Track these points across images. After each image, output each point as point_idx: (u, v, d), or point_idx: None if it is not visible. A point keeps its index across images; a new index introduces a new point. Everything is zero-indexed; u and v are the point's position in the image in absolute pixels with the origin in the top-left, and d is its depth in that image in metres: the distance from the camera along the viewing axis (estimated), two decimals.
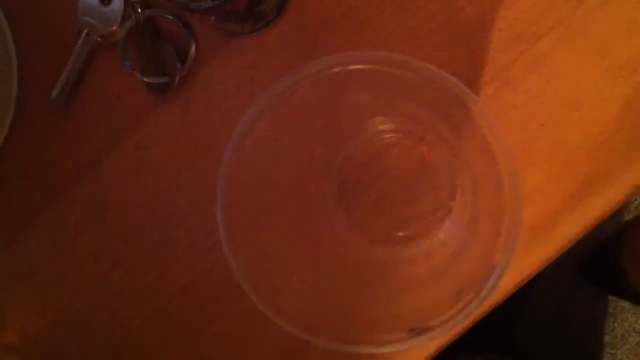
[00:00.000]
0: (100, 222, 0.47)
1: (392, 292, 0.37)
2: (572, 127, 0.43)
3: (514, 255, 0.31)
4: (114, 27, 0.47)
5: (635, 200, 1.10)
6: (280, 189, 0.37)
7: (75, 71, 0.47)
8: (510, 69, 0.43)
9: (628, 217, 1.08)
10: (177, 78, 0.46)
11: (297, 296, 0.34)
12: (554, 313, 1.13)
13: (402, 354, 0.30)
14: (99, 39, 0.47)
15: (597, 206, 0.42)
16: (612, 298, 1.12)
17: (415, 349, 0.41)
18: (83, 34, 0.47)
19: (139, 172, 0.47)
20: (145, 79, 0.46)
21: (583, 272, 1.10)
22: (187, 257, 0.46)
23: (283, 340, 0.45)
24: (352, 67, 0.30)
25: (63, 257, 0.48)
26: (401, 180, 0.44)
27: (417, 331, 0.31)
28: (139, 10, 0.46)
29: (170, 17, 0.46)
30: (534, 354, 1.10)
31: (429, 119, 0.39)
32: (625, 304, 1.12)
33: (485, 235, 0.33)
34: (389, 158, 0.44)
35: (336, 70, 0.30)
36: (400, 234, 0.43)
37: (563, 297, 1.14)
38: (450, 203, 0.43)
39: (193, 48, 0.46)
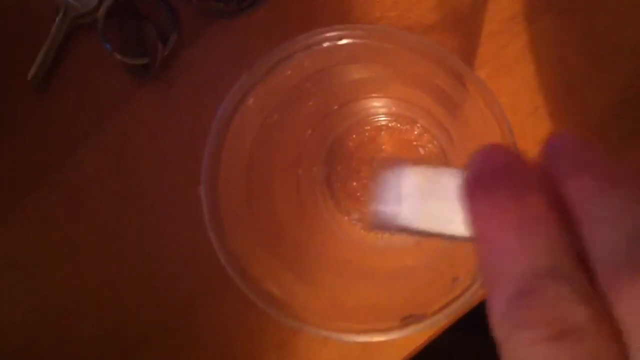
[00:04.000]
0: (81, 210, 0.45)
1: (384, 280, 0.35)
2: (567, 112, 0.42)
3: None
4: (92, 6, 0.45)
5: None
6: (268, 171, 0.36)
7: (52, 51, 0.45)
8: (505, 52, 0.42)
9: None
10: (159, 59, 0.44)
11: (285, 283, 0.32)
12: None
13: (398, 339, 0.29)
14: (77, 18, 0.45)
15: None
16: None
17: (410, 336, 0.40)
18: (60, 13, 0.45)
19: (120, 157, 0.45)
20: (125, 60, 0.44)
21: None
22: (173, 246, 0.45)
23: (273, 329, 0.43)
24: (345, 41, 0.29)
25: (42, 246, 0.46)
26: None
27: (411, 319, 0.30)
28: None
29: None
30: None
31: (424, 101, 0.38)
32: None
33: None
34: (380, 142, 0.43)
35: (328, 44, 0.29)
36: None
37: None
38: None
39: (175, 29, 0.44)
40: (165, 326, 0.45)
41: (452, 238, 0.21)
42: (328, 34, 0.29)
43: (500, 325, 0.17)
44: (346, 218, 0.42)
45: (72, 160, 0.45)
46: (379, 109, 0.42)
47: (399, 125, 0.42)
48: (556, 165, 0.18)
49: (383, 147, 0.43)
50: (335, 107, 0.39)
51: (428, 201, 0.21)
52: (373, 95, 0.40)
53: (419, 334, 0.40)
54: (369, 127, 0.42)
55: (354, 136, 0.42)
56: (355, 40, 0.29)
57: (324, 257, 0.37)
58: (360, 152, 0.43)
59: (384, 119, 0.42)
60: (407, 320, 0.29)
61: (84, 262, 0.45)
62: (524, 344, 0.16)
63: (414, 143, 0.43)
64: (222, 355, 0.44)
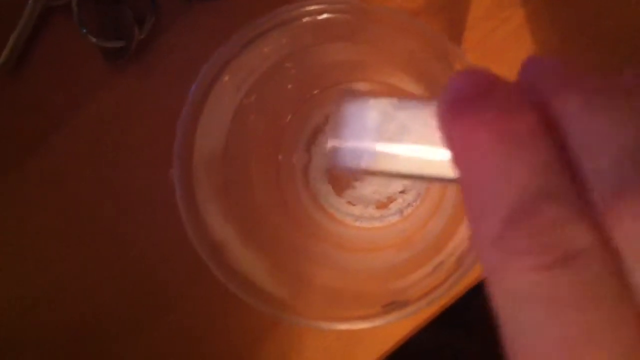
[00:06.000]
0: (54, 198, 0.44)
1: (365, 267, 0.34)
2: None
3: None
4: None
5: None
6: (246, 156, 0.34)
7: (24, 35, 0.44)
8: (492, 37, 0.41)
9: None
10: (135, 43, 0.43)
11: (264, 271, 0.31)
12: None
13: (380, 330, 0.28)
14: (51, 0, 0.44)
15: None
16: None
17: (394, 325, 0.38)
18: None
19: (95, 144, 0.44)
20: (100, 44, 0.43)
21: None
22: (148, 236, 0.43)
23: (252, 319, 0.42)
24: (326, 15, 0.27)
25: (13, 235, 0.44)
26: None
27: (393, 306, 0.28)
28: None
29: None
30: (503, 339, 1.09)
31: (409, 85, 0.36)
32: None
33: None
34: None
35: (308, 19, 0.28)
36: (373, 209, 0.40)
37: None
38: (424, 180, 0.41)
39: (153, 11, 0.43)
40: (141, 316, 0.43)
41: (426, 179, 0.18)
42: (308, 8, 0.27)
43: (489, 254, 0.15)
44: (327, 207, 0.41)
45: (46, 146, 0.44)
46: (361, 95, 0.41)
47: None
48: (539, 85, 0.17)
49: None
50: (316, 91, 0.38)
51: (398, 136, 0.17)
52: (355, 79, 0.39)
53: (402, 326, 0.38)
54: None
55: None
56: (336, 15, 0.28)
57: (304, 245, 0.36)
58: None
59: None
60: (389, 307, 0.28)
61: (57, 251, 0.44)
62: (519, 273, 0.14)
63: None
64: (199, 346, 0.43)
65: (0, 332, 0.44)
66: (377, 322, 0.28)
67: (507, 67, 0.41)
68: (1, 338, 0.44)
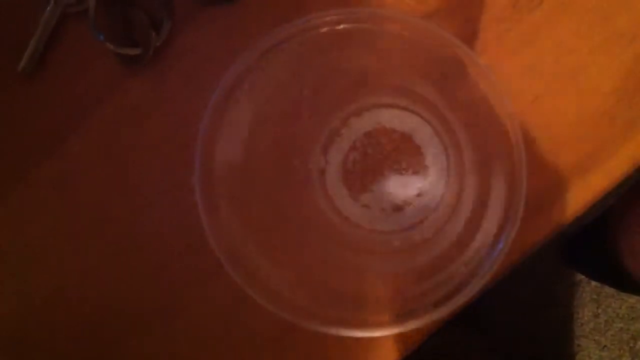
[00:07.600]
0: (68, 200, 0.45)
1: (382, 273, 0.35)
2: (569, 98, 0.41)
3: (515, 232, 0.29)
4: None
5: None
6: (264, 161, 0.35)
7: (43, 41, 0.44)
8: (506, 39, 0.41)
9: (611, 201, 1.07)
10: (152, 49, 0.43)
11: (281, 275, 0.31)
12: (536, 298, 1.13)
13: (395, 336, 0.28)
14: (68, 7, 0.44)
15: (597, 181, 0.40)
16: (596, 284, 1.12)
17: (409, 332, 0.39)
18: (51, 2, 0.44)
19: (109, 148, 0.44)
20: (118, 51, 0.43)
21: (566, 258, 1.09)
22: (161, 239, 0.44)
23: (266, 323, 0.42)
24: (343, 25, 0.28)
25: (28, 237, 0.45)
26: (387, 161, 0.42)
27: (410, 314, 0.29)
28: None
29: None
30: (514, 337, 1.10)
31: (424, 90, 0.37)
32: (609, 290, 1.11)
33: (482, 212, 0.31)
34: (378, 135, 0.42)
35: (326, 29, 0.28)
36: (389, 213, 0.41)
37: (545, 282, 1.13)
38: (440, 183, 0.41)
39: (169, 17, 0.43)
40: (153, 316, 0.44)
41: None
42: (326, 19, 0.28)
43: None
44: (343, 211, 0.41)
45: (61, 149, 0.45)
46: (377, 99, 0.41)
47: (397, 117, 0.41)
48: None
49: (381, 140, 0.42)
50: (332, 97, 0.38)
51: None
52: (371, 84, 0.39)
53: (419, 330, 0.39)
54: (366, 119, 0.41)
55: (351, 129, 0.41)
56: (353, 25, 0.28)
57: (322, 248, 0.36)
58: (357, 145, 0.41)
59: (382, 110, 0.41)
60: (404, 314, 0.28)
61: (71, 251, 0.45)
62: None
63: (412, 136, 0.42)
64: (213, 348, 0.43)
65: (9, 331, 0.45)
66: (391, 331, 0.28)
67: (520, 69, 0.41)
68: (11, 337, 0.45)
